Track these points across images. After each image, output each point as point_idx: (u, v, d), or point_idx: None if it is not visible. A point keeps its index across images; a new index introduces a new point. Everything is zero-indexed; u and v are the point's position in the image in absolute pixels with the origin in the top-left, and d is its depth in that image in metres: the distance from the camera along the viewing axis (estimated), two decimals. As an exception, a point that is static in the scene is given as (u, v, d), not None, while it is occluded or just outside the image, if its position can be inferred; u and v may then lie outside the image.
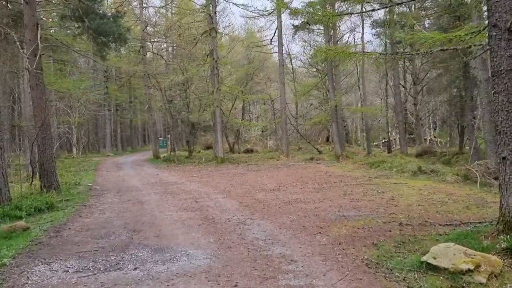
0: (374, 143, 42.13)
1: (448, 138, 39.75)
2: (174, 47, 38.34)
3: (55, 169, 13.51)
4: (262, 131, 43.74)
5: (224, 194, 13.33)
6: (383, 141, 44.76)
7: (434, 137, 43.45)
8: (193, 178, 18.79)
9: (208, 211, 10.13)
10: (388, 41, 32.82)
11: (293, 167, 22.69)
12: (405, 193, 12.17)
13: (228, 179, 17.78)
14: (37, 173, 13.89)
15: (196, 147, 39.95)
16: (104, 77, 46.43)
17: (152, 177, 19.88)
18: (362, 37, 25.84)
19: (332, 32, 27.54)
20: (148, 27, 34.17)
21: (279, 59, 30.13)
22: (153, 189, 15.37)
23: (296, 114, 39.37)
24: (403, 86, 34.24)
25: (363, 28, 25.82)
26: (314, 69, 38.91)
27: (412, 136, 44.93)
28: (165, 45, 39.56)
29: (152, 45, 34.76)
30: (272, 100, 39.17)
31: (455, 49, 11.20)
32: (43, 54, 14.53)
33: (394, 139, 37.12)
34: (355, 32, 43.90)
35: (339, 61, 24.69)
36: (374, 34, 34.74)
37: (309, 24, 32.62)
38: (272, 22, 31.43)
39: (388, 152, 32.37)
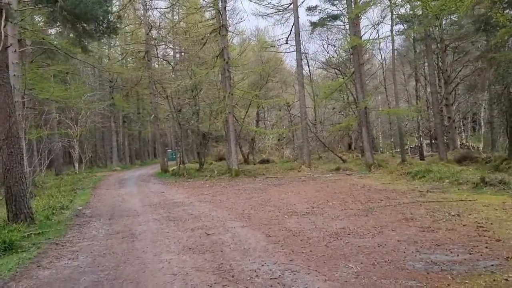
0: (390, 151, 38.67)
1: (481, 143, 36.30)
2: (181, 51, 35.54)
3: (26, 193, 10.51)
4: (279, 139, 40.58)
5: (243, 220, 10.21)
6: (412, 146, 41.32)
7: (466, 142, 39.89)
8: (204, 197, 15.70)
9: (224, 254, 7.01)
10: (414, 35, 29.67)
11: (320, 180, 19.48)
12: (490, 216, 8.93)
13: (246, 198, 14.65)
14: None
15: (208, 159, 36.95)
16: (110, 87, 43.83)
17: (156, 196, 16.86)
18: (391, 29, 22.61)
19: (355, 27, 24.36)
20: (152, 30, 31.46)
21: (297, 59, 27.06)
22: (154, 213, 12.31)
23: (315, 120, 36.18)
24: (438, 85, 30.90)
25: (392, 20, 22.70)
26: (334, 71, 35.78)
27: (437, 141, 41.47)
28: (171, 50, 36.84)
29: (157, 50, 31.97)
30: (289, 105, 36.06)
31: None
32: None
33: (421, 145, 33.61)
34: (377, 28, 40.38)
35: (367, 57, 21.67)
36: (398, 30, 31.53)
37: (329, 20, 29.63)
38: (286, 20, 28.20)
39: (421, 159, 28.98)
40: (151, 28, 30.81)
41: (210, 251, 7.23)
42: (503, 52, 21.46)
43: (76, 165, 35.42)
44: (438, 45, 30.35)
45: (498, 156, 24.26)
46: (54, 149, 33.95)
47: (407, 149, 40.63)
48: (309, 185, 17.51)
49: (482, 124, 39.42)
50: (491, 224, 8.15)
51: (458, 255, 6.13)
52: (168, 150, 38.97)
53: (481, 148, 34.71)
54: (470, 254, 6.15)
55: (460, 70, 31.57)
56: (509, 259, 5.77)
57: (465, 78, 31.74)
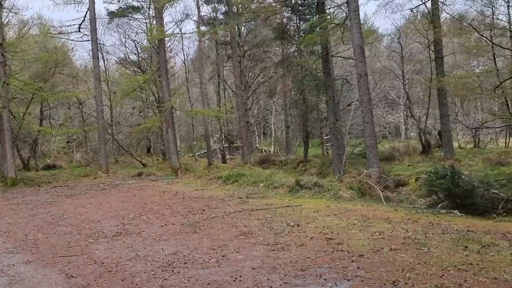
0: (191, 154, 38.30)
1: (272, 146, 38.69)
2: None
3: None
4: (68, 141, 35.61)
5: (28, 250, 7.26)
6: (204, 151, 41.33)
7: (259, 145, 42.03)
8: (-35, 217, 11.56)
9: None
10: (218, 35, 29.44)
11: (123, 188, 16.92)
12: (329, 224, 8.17)
13: (28, 215, 11.21)
14: None
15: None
16: None
17: None
18: (198, 26, 21.46)
19: (160, 20, 22.45)
20: None
21: (92, 49, 23.67)
22: None
23: (111, 120, 32.81)
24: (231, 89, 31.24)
25: (199, 17, 21.52)
26: (133, 68, 33.09)
27: (234, 145, 42.76)
28: None
29: None
30: (81, 103, 31.83)
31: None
32: None
33: (223, 148, 33.73)
34: (180, 26, 39.18)
35: (170, 55, 19.98)
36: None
37: (130, 11, 27.02)
38: (78, 3, 24.29)
39: (223, 163, 28.83)
40: None
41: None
42: (302, 59, 22.58)
43: None
44: (238, 50, 30.84)
45: (294, 159, 25.56)
46: None
47: (204, 153, 40.64)
48: (112, 195, 14.83)
49: (273, 128, 42.23)
50: (338, 234, 7.30)
51: (336, 284, 4.84)
52: None
53: (272, 151, 36.85)
54: (349, 280, 4.94)
55: (257, 76, 32.76)
56: (396, 283, 4.73)
57: (261, 84, 33.16)
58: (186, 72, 32.18)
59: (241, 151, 40.97)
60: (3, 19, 21.41)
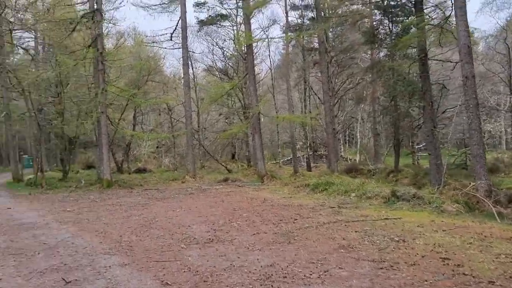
0: (274, 161, 37.97)
1: (357, 155, 37.20)
2: (44, 40, 30.32)
3: None
4: (157, 146, 37.07)
5: (123, 252, 7.21)
6: (287, 159, 40.85)
7: (344, 154, 40.78)
8: (66, 215, 12.08)
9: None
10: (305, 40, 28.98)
11: (211, 193, 16.94)
12: (440, 241, 7.25)
13: (123, 217, 11.44)
14: None
15: (74, 167, 32.08)
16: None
17: (-2, 214, 12.71)
18: (286, 28, 21.08)
19: (248, 25, 22.50)
20: (7, 10, 26.02)
21: (183, 57, 24.31)
22: (-14, 242, 8.58)
23: (198, 126, 33.56)
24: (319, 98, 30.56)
25: (287, 19, 21.41)
26: (220, 75, 33.67)
27: (318, 152, 41.84)
28: (32, 37, 31.24)
29: (11, 34, 26.46)
30: (170, 110, 32.95)
31: None
32: None
33: (309, 156, 33.01)
34: (267, 32, 39.14)
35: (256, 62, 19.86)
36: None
37: (218, 19, 27.47)
38: (173, 9, 25.15)
39: (309, 171, 28.18)
40: (4, 8, 25.39)
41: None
42: (394, 63, 21.35)
43: None
44: (326, 56, 30.13)
45: (383, 168, 24.23)
46: None
47: (287, 160, 40.20)
48: (200, 199, 14.84)
49: (358, 136, 40.72)
50: (454, 254, 6.40)
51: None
52: (24, 156, 33.08)
53: (357, 160, 35.45)
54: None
55: (344, 82, 31.75)
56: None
57: (348, 90, 32.08)
58: (272, 79, 32.08)
59: (324, 159, 40.08)
60: (103, 30, 22.67)
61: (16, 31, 27.87)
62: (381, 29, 24.60)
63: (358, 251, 6.79)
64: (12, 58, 32.55)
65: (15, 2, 25.25)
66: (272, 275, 5.58)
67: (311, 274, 5.55)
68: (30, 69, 28.10)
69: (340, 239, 7.67)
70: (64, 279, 5.72)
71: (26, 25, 27.20)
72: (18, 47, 28.56)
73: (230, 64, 33.15)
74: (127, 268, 6.24)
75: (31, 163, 33.41)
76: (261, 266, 6.01)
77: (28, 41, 30.28)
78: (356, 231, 8.33)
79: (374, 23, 25.47)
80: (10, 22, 26.40)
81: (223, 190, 17.85)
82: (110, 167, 21.87)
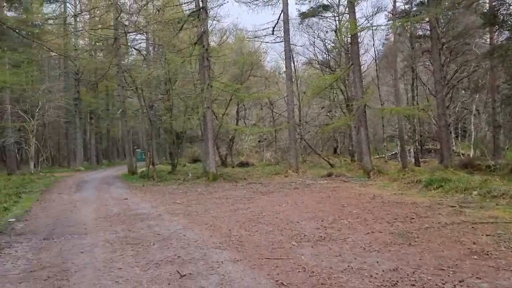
0: (377, 156, 36.24)
1: (472, 149, 34.10)
2: (155, 41, 32.09)
3: None
4: (259, 141, 37.51)
5: (233, 247, 7.09)
6: (393, 152, 38.86)
7: (456, 148, 37.72)
8: (176, 207, 12.47)
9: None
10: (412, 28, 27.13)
11: (315, 188, 16.50)
12: None
13: (230, 210, 11.50)
14: None
15: (181, 160, 33.62)
16: (75, 79, 39.75)
17: (117, 204, 13.54)
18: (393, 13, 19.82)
19: (353, 14, 21.53)
20: (122, 14, 27.96)
21: (285, 50, 24.08)
22: (107, 231, 9.06)
23: (300, 120, 33.25)
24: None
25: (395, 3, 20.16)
26: (321, 67, 32.97)
27: (426, 147, 39.22)
28: (143, 38, 33.30)
29: (126, 36, 28.40)
30: (272, 104, 33.05)
31: None
32: None
33: (417, 150, 30.99)
34: (371, 21, 37.17)
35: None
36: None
37: (321, 10, 26.82)
38: (276, 1, 25.06)
39: (417, 166, 26.44)
40: (120, 12, 27.30)
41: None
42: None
43: (31, 163, 31.40)
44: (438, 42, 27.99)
45: (505, 164, 21.83)
46: (7, 144, 30.06)
47: (392, 154, 38.26)
48: (305, 194, 14.48)
49: (473, 129, 37.38)
50: None
51: None
52: (137, 150, 35.47)
53: (471, 155, 32.50)
54: None
55: (456, 71, 29.26)
56: None
57: (461, 80, 29.53)
58: (376, 70, 30.65)
59: (433, 153, 37.51)
60: (208, 27, 23.29)
61: (130, 33, 29.87)
62: (503, 9, 22.26)
63: (495, 258, 5.91)
64: (126, 59, 35.06)
65: (129, 6, 26.97)
66: (397, 282, 5.01)
67: (444, 284, 4.88)
68: (142, 68, 30.00)
69: (469, 243, 6.79)
70: (179, 272, 5.70)
71: (138, 27, 29.02)
72: (132, 48, 30.57)
73: (331, 56, 32.30)
74: (239, 264, 6.07)
75: (143, 156, 35.74)
76: (383, 270, 5.45)
77: (140, 43, 32.36)
78: (487, 235, 7.36)
79: (494, 3, 23.07)
80: (125, 25, 28.32)
81: (328, 185, 17.31)
82: (215, 160, 22.43)
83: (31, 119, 30.55)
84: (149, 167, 25.14)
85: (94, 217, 11.14)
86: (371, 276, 5.26)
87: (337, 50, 30.89)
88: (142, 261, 6.43)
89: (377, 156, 35.87)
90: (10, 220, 10.96)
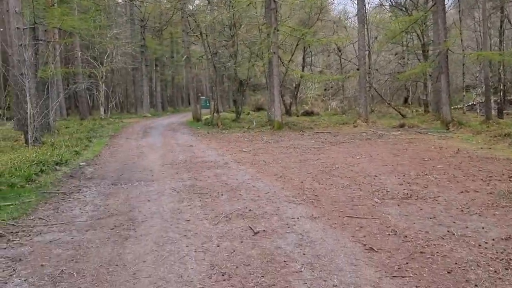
0: (454, 107, 33.61)
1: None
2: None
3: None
4: (325, 89, 36.10)
5: (309, 202, 6.45)
6: (470, 104, 35.99)
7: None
8: (243, 155, 12.01)
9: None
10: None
11: (389, 139, 15.39)
12: None
13: (299, 160, 10.83)
14: None
15: (245, 108, 33.22)
16: (141, 26, 39.82)
17: (182, 151, 13.32)
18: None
19: None
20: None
21: (358, -11, 22.22)
22: (174, 178, 8.76)
23: (369, 68, 31.35)
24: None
25: None
26: (394, 10, 30.45)
27: (508, 97, 35.94)
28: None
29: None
30: (340, 50, 31.32)
31: None
32: None
33: (501, 100, 28.30)
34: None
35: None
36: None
37: None
38: None
39: (499, 118, 24.22)
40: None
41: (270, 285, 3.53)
42: None
43: (102, 109, 32.33)
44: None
45: None
46: (79, 90, 30.98)
47: (470, 105, 35.50)
48: (379, 146, 13.47)
49: None
50: None
51: None
52: (201, 97, 35.41)
53: None
54: None
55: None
56: None
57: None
58: (459, 11, 27.75)
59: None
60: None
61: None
62: None
63: None
64: (191, 4, 34.36)
65: None
66: (514, 254, 4.15)
67: None
68: (206, 13, 29.21)
69: None
70: (251, 228, 5.16)
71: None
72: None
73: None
74: (318, 222, 5.42)
75: (207, 103, 35.67)
76: (493, 239, 4.57)
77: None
78: None
79: None
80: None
81: (403, 136, 16.09)
82: (280, 109, 21.69)
83: (100, 65, 31.10)
84: (214, 115, 24.91)
85: (161, 163, 10.93)
86: (480, 246, 4.40)
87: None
88: (210, 213, 5.97)
89: (454, 107, 33.41)
90: (80, 164, 11.03)
